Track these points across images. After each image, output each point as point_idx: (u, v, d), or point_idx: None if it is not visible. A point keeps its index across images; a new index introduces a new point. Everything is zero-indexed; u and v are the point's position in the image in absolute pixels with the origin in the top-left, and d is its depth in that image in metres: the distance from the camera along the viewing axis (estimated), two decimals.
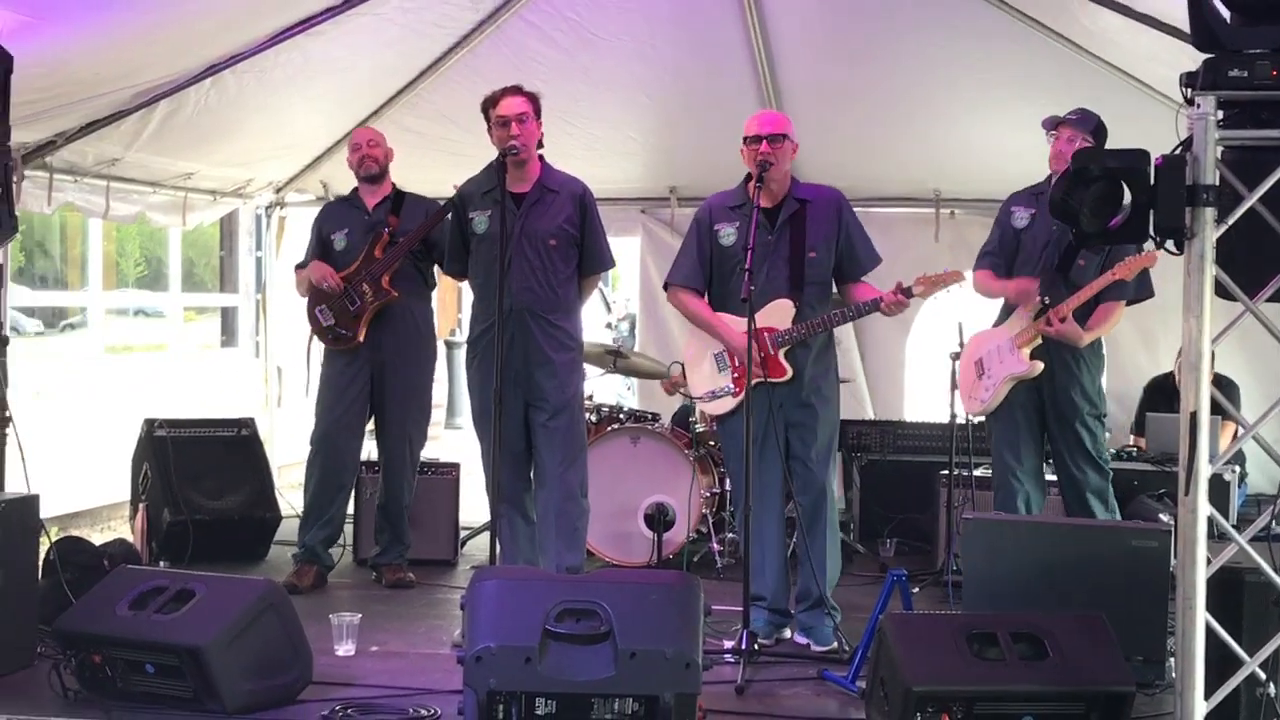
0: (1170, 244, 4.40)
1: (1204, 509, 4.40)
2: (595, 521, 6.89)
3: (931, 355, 8.53)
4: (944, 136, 9.04)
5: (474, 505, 8.16)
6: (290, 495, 8.71)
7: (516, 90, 6.49)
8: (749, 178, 6.29)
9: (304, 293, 7.66)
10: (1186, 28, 6.25)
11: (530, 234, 6.42)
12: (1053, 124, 6.63)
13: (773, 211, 6.25)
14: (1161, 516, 7.38)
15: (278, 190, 10.19)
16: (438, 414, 16.24)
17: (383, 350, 7.43)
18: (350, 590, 7.46)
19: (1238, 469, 8.30)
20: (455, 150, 8.71)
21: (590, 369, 7.95)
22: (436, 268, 7.54)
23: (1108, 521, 6.47)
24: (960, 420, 7.40)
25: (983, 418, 6.95)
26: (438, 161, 9.01)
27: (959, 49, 8.23)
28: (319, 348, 7.70)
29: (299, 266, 7.76)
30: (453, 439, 15.96)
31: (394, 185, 7.69)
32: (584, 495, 6.57)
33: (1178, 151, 4.46)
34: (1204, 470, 4.40)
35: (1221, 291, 4.47)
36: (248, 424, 8.40)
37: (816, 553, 6.22)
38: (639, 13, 8.37)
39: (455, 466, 8.18)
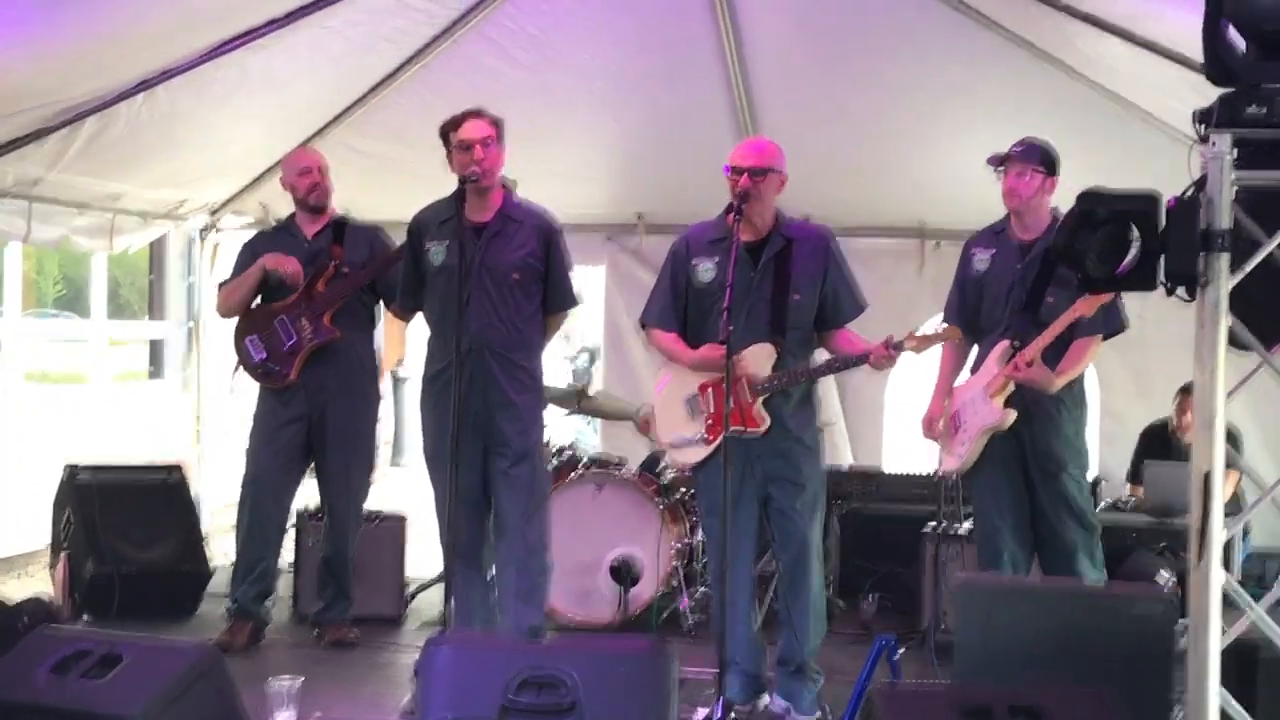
0: (1181, 290, 4.41)
1: (1218, 577, 4.39)
2: (556, 576, 6.82)
3: (914, 402, 8.54)
4: (930, 164, 9.03)
5: (421, 557, 8.10)
6: (221, 538, 8.62)
7: (479, 113, 6.45)
8: (730, 208, 6.20)
9: (231, 304, 7.51)
10: (1189, 54, 6.38)
11: (491, 267, 6.36)
12: (998, 161, 6.58)
13: (756, 247, 6.19)
14: (1161, 573, 7.40)
15: (213, 212, 10.09)
16: (382, 452, 16.21)
17: (322, 391, 7.34)
18: (289, 650, 7.37)
19: (1240, 526, 8.32)
20: (406, 171, 8.65)
21: (553, 410, 7.89)
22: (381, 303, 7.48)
23: (1108, 587, 6.44)
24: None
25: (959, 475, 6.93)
26: (387, 184, 8.97)
27: (947, 72, 8.24)
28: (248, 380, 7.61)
29: (223, 285, 7.65)
30: (398, 478, 15.87)
31: (334, 212, 7.60)
32: (546, 549, 6.52)
33: (1190, 192, 4.46)
34: (1218, 535, 4.39)
35: (1234, 340, 4.48)
36: (176, 469, 8.32)
37: (799, 614, 6.16)
38: (607, 31, 8.36)
39: (401, 518, 8.11)
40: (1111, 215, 4.43)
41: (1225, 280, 4.36)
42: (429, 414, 6.51)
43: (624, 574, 7.71)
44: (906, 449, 9.42)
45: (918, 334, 6.16)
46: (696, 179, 9.15)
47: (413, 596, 8.30)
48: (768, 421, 6.11)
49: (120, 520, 7.91)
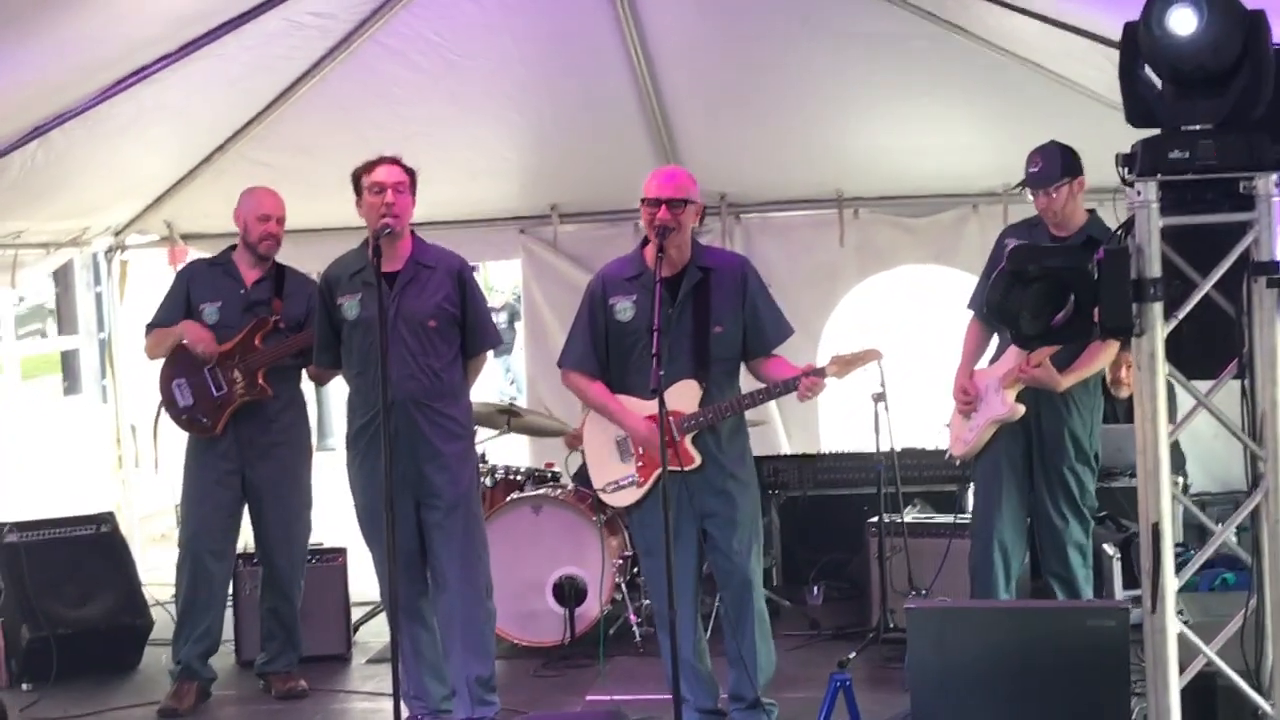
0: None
1: (1174, 627, 4.41)
2: (500, 599, 6.76)
3: (849, 388, 8.53)
4: (845, 134, 8.98)
5: (366, 585, 8.00)
6: (152, 554, 8.47)
7: (393, 160, 6.34)
8: (645, 243, 6.12)
9: (157, 355, 7.33)
10: (1102, 34, 6.34)
11: (407, 316, 6.27)
12: (1029, 186, 6.55)
13: (673, 282, 6.03)
14: (1105, 548, 7.45)
15: (116, 234, 9.90)
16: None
17: (253, 446, 7.19)
18: (237, 706, 7.27)
19: (1180, 479, 8.39)
20: (309, 181, 8.51)
21: (482, 431, 7.81)
22: None
23: (1059, 602, 6.47)
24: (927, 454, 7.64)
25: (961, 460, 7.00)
26: (291, 193, 8.73)
27: (855, 46, 8.17)
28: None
29: (153, 325, 7.39)
30: (325, 463, 15.75)
31: (276, 263, 7.38)
32: (489, 596, 6.47)
33: (1119, 238, 4.45)
34: (1170, 584, 4.40)
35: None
36: (107, 519, 8.11)
37: (747, 650, 6.12)
38: (506, 31, 8.22)
39: (340, 552, 8.01)
40: (1043, 272, 4.41)
41: (1160, 329, 4.38)
42: (357, 473, 6.42)
43: (568, 593, 7.68)
44: (845, 428, 9.41)
45: (841, 356, 6.12)
46: (608, 167, 9.20)
47: (357, 627, 8.24)
48: (699, 458, 6.05)
49: (52, 579, 7.73)
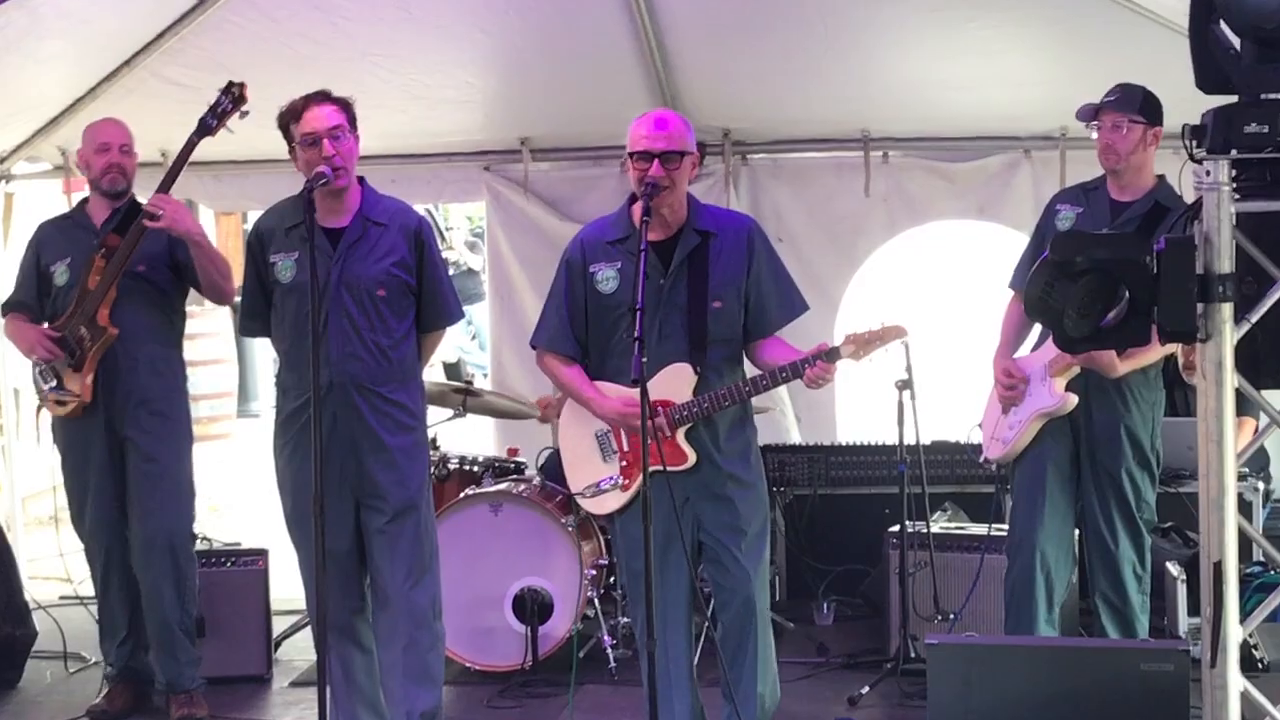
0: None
1: (1236, 684, 4.53)
2: (451, 616, 6.86)
3: (870, 371, 8.61)
4: (873, 62, 9.05)
5: (290, 592, 8.10)
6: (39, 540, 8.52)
7: (324, 97, 6.32)
8: (632, 199, 6.09)
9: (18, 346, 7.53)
10: None
11: (351, 282, 6.32)
12: (1090, 114, 6.64)
13: (666, 247, 6.05)
14: (1169, 567, 7.58)
15: (1, 160, 9.98)
16: (227, 404, 16.24)
17: (114, 413, 7.28)
18: None
19: (1262, 486, 8.52)
20: None
21: (436, 412, 7.91)
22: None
23: (1107, 642, 6.58)
24: (983, 453, 7.25)
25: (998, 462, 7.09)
26: None
27: None
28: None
29: (8, 307, 7.54)
30: (247, 432, 15.91)
31: (132, 196, 7.43)
32: (437, 617, 6.55)
33: (1184, 224, 4.54)
34: (1234, 635, 4.52)
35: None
36: None
37: (745, 684, 6.16)
38: None
39: (261, 554, 8.10)
40: (1093, 264, 4.49)
41: (1229, 333, 4.46)
42: (285, 465, 6.49)
43: (530, 608, 7.75)
44: (864, 416, 9.47)
45: (858, 334, 6.09)
46: (590, 95, 9.23)
47: (277, 645, 8.35)
48: (693, 456, 6.09)
49: None
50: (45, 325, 7.31)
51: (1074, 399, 6.66)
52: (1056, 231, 6.74)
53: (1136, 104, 6.53)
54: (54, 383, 7.27)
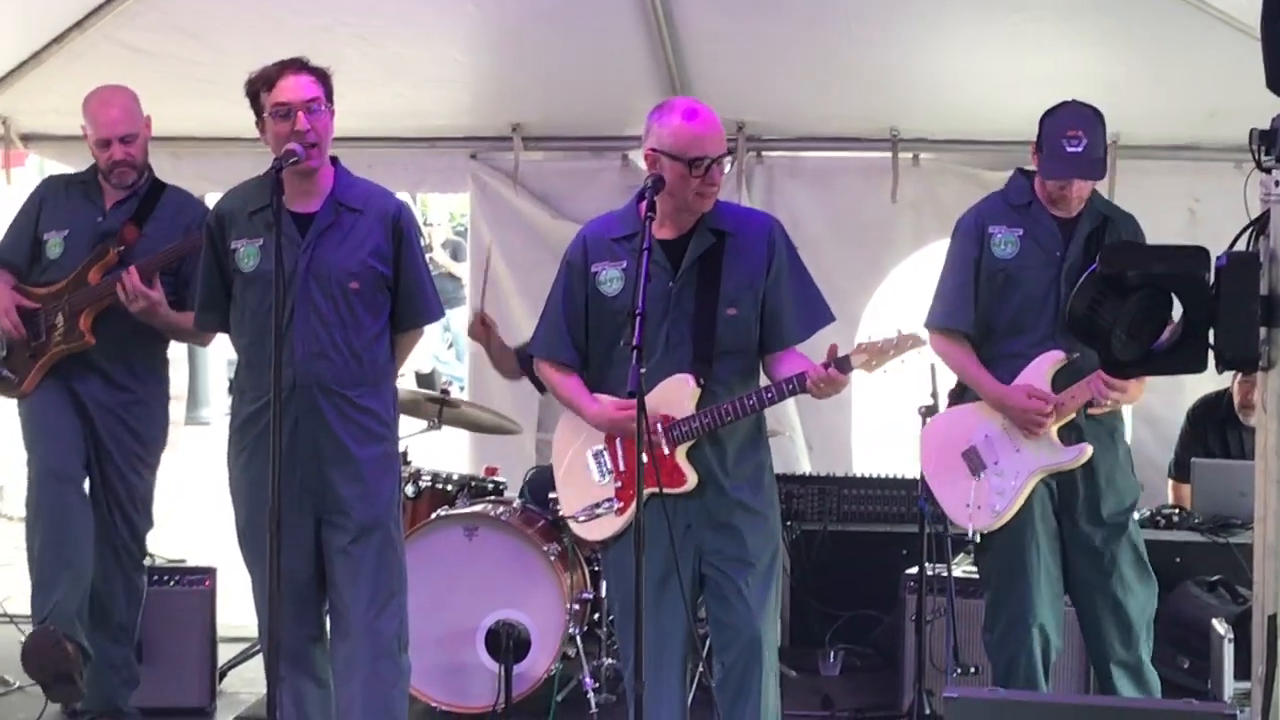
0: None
1: None
2: (417, 650, 6.83)
3: (891, 395, 8.61)
4: (906, 56, 9.10)
5: (238, 617, 8.13)
6: None
7: (300, 66, 6.29)
8: (643, 194, 5.96)
9: None
10: None
11: (321, 273, 6.30)
12: (1064, 174, 6.68)
13: (677, 247, 6.06)
14: (1215, 626, 7.58)
15: None
16: (175, 409, 16.21)
17: (101, 408, 7.38)
18: None
19: None
20: (202, 76, 8.67)
21: (408, 423, 7.92)
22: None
23: (1146, 702, 6.59)
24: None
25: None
26: (176, 88, 8.90)
27: None
28: None
29: None
30: (195, 441, 15.91)
31: (151, 175, 7.48)
32: (403, 650, 6.53)
33: (1251, 241, 4.55)
34: None
35: None
36: None
37: None
38: None
39: (209, 573, 8.08)
40: (1145, 280, 4.50)
41: None
42: (240, 475, 6.47)
43: (505, 644, 7.69)
44: (883, 445, 9.51)
45: (872, 343, 6.03)
46: (590, 79, 9.25)
47: (222, 675, 8.34)
48: (693, 478, 6.05)
49: None
50: (24, 293, 7.34)
51: (1089, 449, 6.65)
52: (995, 261, 6.80)
53: (1103, 160, 6.61)
54: (4, 352, 7.30)
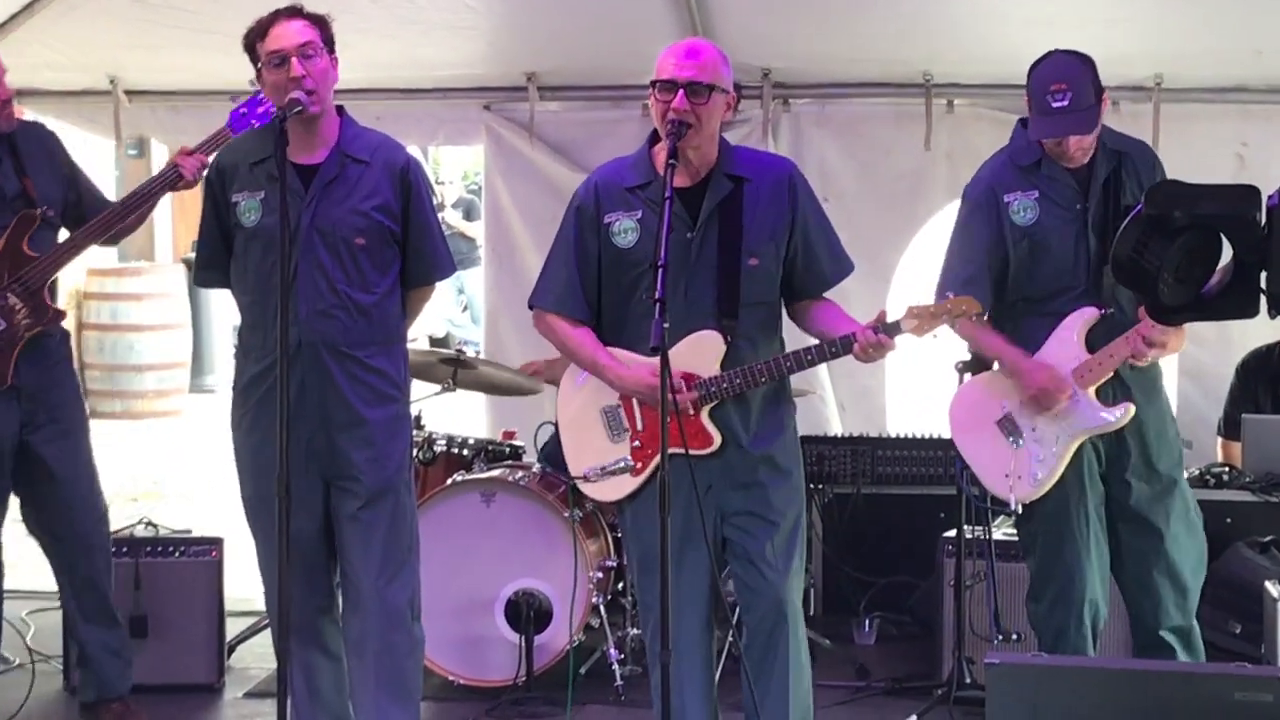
0: None
1: None
2: (434, 621, 6.85)
3: (927, 361, 8.53)
4: None
5: (248, 590, 8.09)
6: None
7: (294, 12, 6.25)
8: (655, 139, 6.02)
9: None
10: None
11: (326, 228, 6.25)
12: (1054, 133, 6.51)
13: (693, 196, 5.97)
14: (1269, 587, 7.52)
15: None
16: (178, 376, 16.23)
17: (33, 399, 7.19)
18: None
19: None
20: (201, 26, 8.59)
21: (421, 387, 7.87)
22: None
23: (1196, 666, 6.51)
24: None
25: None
26: (175, 40, 8.85)
27: None
28: None
29: None
30: (202, 408, 15.88)
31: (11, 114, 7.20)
32: (416, 618, 6.50)
33: None
34: None
35: None
36: None
37: (773, 702, 6.06)
38: None
39: (216, 543, 8.04)
40: (1193, 220, 4.45)
41: None
42: (244, 440, 6.46)
43: (525, 615, 7.71)
44: (918, 404, 9.44)
45: (919, 307, 5.96)
46: (608, 26, 9.19)
47: (231, 650, 8.32)
48: (718, 438, 6.00)
49: None
50: None
51: (1132, 407, 6.49)
52: (1014, 229, 6.65)
53: (1093, 98, 6.39)
54: None
